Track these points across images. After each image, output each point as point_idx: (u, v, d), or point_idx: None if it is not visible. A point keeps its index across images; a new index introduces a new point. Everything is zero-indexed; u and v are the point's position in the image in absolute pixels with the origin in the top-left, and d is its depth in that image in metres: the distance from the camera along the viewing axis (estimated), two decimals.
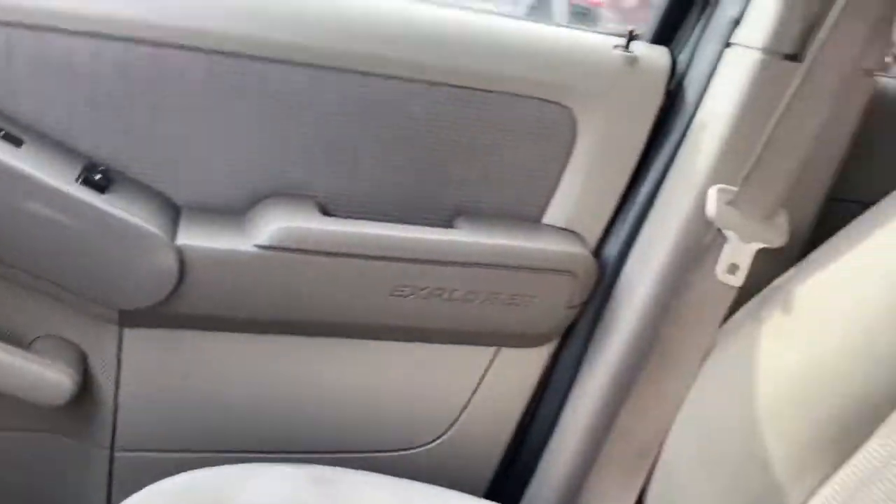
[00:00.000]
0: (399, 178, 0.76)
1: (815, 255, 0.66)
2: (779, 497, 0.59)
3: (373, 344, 0.80)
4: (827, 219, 0.75)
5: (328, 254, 0.72)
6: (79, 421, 0.76)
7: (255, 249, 0.71)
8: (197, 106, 0.69)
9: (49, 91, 0.66)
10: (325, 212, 0.75)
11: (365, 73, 0.71)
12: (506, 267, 0.76)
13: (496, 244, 0.75)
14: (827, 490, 0.57)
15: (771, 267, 0.70)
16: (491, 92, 0.74)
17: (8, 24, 0.64)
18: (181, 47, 0.67)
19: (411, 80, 0.72)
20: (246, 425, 0.81)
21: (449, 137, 0.75)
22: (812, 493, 0.58)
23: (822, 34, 0.65)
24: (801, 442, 0.59)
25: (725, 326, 0.71)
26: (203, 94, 0.69)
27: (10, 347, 0.68)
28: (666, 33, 0.81)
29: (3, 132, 0.64)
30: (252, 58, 0.69)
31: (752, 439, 0.61)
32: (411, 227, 0.75)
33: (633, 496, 0.78)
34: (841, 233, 0.66)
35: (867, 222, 0.64)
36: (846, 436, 0.57)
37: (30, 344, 0.72)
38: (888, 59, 0.80)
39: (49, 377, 0.69)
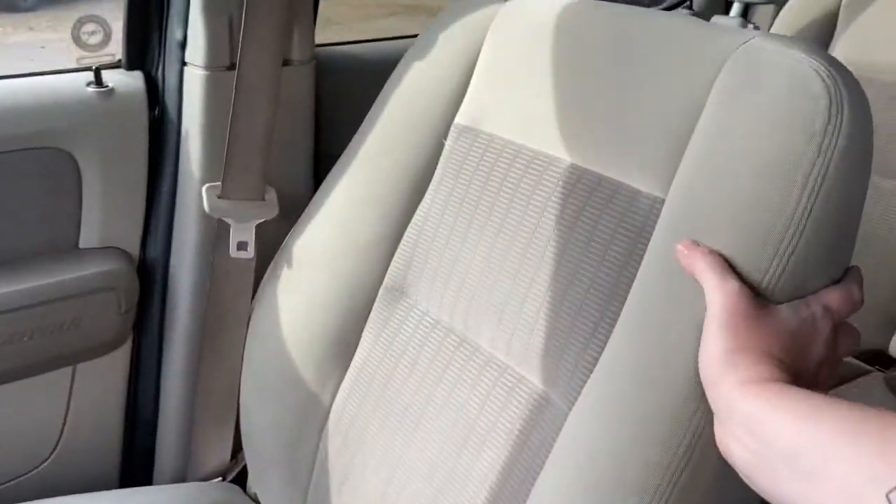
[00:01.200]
0: None
1: (303, 215, 0.86)
2: (315, 401, 0.80)
3: None
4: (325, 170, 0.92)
5: None
6: None
7: None
8: None
9: None
10: None
11: None
12: (49, 301, 0.86)
13: (32, 286, 0.85)
14: (344, 385, 0.80)
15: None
16: None
17: None
18: None
19: None
20: None
21: None
22: (335, 391, 0.80)
23: (240, 46, 0.82)
24: (319, 358, 0.80)
25: (261, 286, 0.89)
26: None
27: None
28: (138, 57, 0.92)
29: None
30: None
31: (288, 366, 0.81)
32: None
33: (230, 433, 0.97)
34: (320, 188, 0.86)
35: (333, 173, 0.84)
36: (344, 342, 0.80)
37: None
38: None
39: None
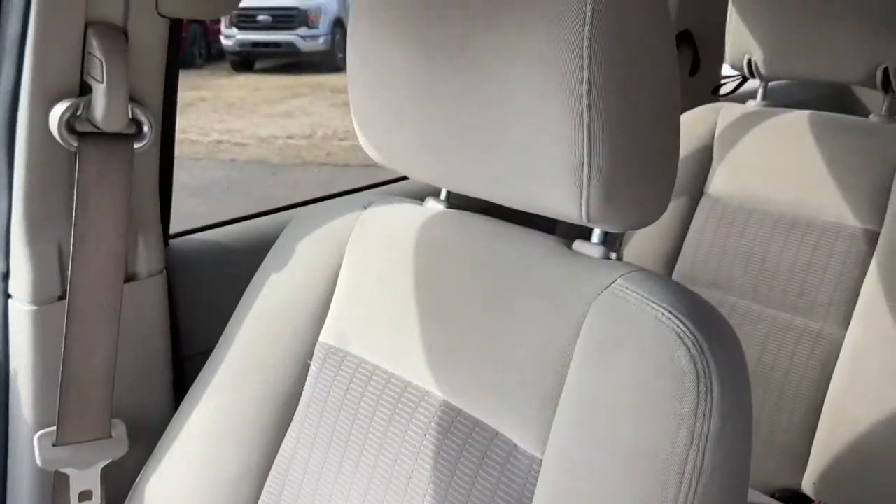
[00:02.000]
0: None
1: (156, 451, 0.77)
2: None
3: None
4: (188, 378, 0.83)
5: None
6: None
7: None
8: None
9: None
10: None
11: None
12: None
13: None
14: None
15: None
16: None
17: None
18: None
19: None
20: None
21: None
22: None
23: (70, 274, 0.73)
24: None
25: None
26: None
27: None
28: None
29: None
30: None
31: None
32: None
33: None
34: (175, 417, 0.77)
35: (190, 398, 0.76)
36: None
37: None
38: None
39: None
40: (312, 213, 0.77)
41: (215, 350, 0.76)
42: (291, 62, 8.39)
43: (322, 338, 0.71)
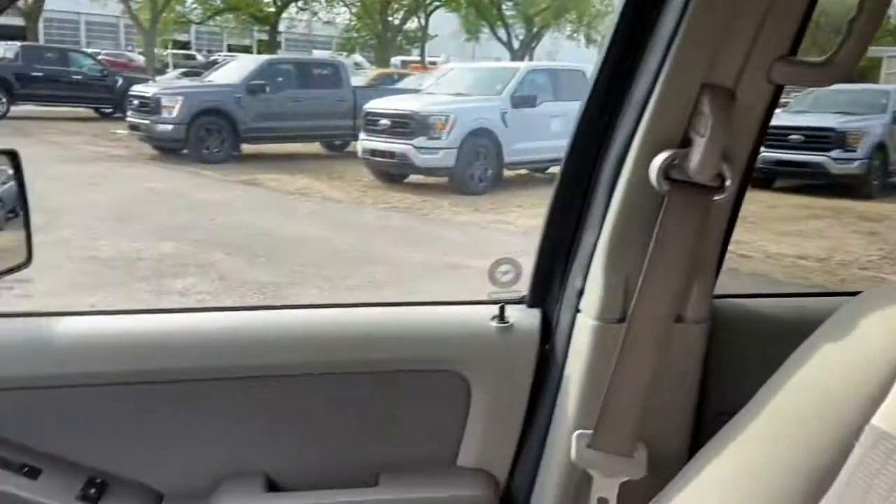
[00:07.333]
0: (329, 452, 0.94)
1: (673, 482, 0.80)
2: None
3: None
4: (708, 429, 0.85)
5: None
6: None
7: None
8: (167, 423, 0.90)
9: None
10: (273, 487, 0.93)
11: (289, 376, 0.91)
12: None
13: (410, 497, 0.91)
14: None
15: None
16: (396, 371, 0.93)
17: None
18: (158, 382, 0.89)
19: (323, 375, 0.92)
20: None
21: (364, 414, 0.93)
22: None
23: (634, 303, 0.82)
24: None
25: None
26: (170, 411, 0.90)
27: None
28: (539, 296, 0.99)
29: (25, 468, 0.84)
30: (202, 381, 0.89)
31: None
32: (339, 492, 0.91)
33: None
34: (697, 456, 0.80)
35: (714, 443, 0.78)
36: None
37: None
38: None
39: None
40: (880, 294, 0.72)
41: (744, 409, 0.77)
42: (810, 184, 8.06)
43: (875, 421, 0.66)
